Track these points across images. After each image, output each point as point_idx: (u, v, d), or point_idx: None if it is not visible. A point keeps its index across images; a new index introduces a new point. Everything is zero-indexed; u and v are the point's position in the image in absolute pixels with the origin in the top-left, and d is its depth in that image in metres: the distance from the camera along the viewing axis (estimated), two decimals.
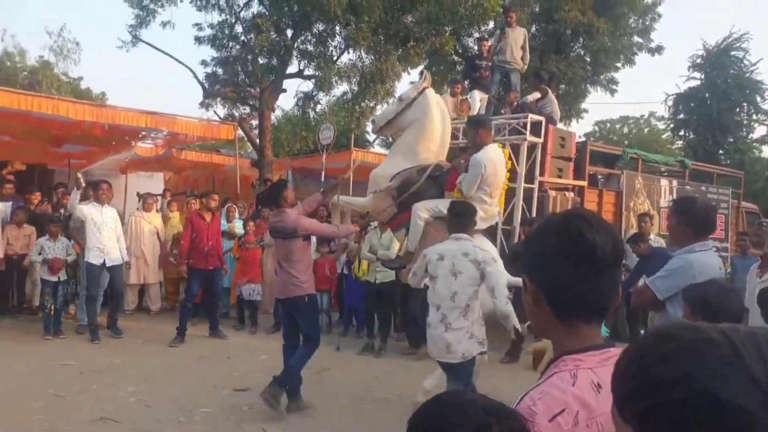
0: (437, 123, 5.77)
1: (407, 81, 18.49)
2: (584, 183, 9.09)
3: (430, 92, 5.91)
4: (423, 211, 5.33)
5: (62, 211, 8.47)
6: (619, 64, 18.47)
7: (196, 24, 14.59)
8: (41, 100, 9.37)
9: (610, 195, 9.65)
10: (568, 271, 1.15)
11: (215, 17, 14.39)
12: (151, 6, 13.90)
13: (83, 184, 7.63)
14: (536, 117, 8.15)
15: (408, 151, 5.76)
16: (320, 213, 8.31)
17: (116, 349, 6.86)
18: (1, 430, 4.23)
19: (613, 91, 19.41)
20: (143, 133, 12.64)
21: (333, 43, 13.82)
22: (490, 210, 5.44)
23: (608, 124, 37.89)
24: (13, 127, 10.69)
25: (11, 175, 10.01)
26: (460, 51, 15.03)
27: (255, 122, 17.34)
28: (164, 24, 14.30)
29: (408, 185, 5.58)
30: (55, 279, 7.33)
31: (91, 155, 15.35)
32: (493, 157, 5.23)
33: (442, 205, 5.16)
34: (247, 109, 17.04)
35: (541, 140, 8.11)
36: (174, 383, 5.54)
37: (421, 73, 6.62)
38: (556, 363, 1.18)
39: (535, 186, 8.11)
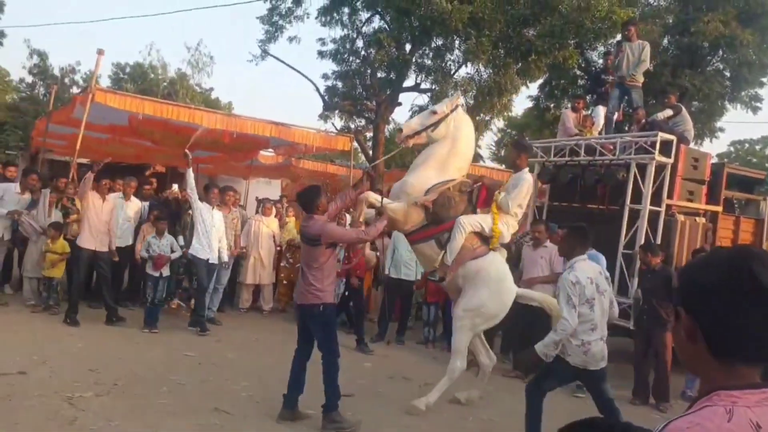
0: (469, 141, 5.87)
1: (526, 95, 18.09)
2: (719, 208, 8.35)
3: (462, 110, 5.96)
4: (468, 225, 5.40)
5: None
6: (765, 79, 16.89)
7: (320, 39, 15.23)
8: (180, 109, 10.14)
9: (748, 223, 8.80)
10: (734, 310, 1.07)
11: (338, 32, 14.95)
12: (281, 22, 14.68)
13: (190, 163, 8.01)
14: (667, 136, 7.60)
15: (440, 166, 5.65)
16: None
17: (232, 345, 7.20)
18: (136, 407, 4.56)
19: (755, 109, 17.78)
20: (267, 141, 13.33)
21: (451, 57, 13.84)
22: (514, 225, 5.70)
23: (746, 145, 34.79)
24: (155, 134, 11.67)
25: (153, 177, 10.93)
26: (583, 65, 14.46)
27: (369, 134, 17.75)
28: (291, 39, 15.07)
29: (446, 200, 5.53)
30: (157, 274, 7.69)
31: (217, 160, 16.43)
32: (531, 180, 5.73)
33: (483, 222, 5.41)
34: (363, 122, 17.47)
35: (671, 160, 7.55)
36: (284, 382, 5.71)
37: (455, 88, 6.45)
38: (708, 397, 1.10)
39: (662, 209, 7.56)
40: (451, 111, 5.65)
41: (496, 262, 5.47)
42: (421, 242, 5.58)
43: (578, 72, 15.10)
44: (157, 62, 28.43)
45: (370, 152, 14.91)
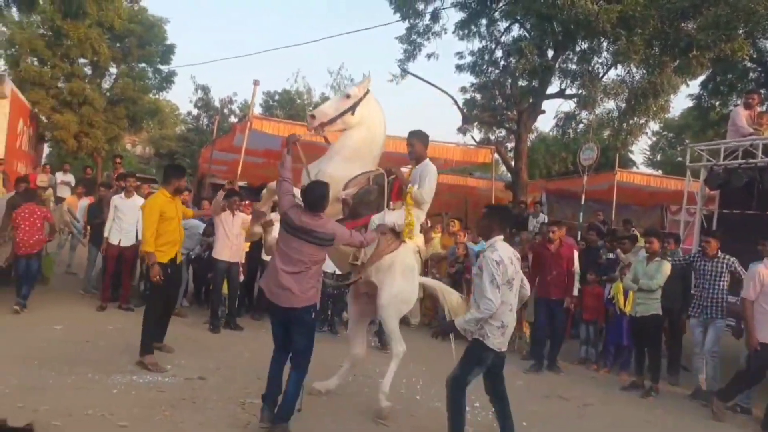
0: (383, 128, 5.42)
1: (684, 94, 16.64)
2: None
3: (373, 95, 5.42)
4: (377, 224, 5.10)
5: None
6: None
7: (458, 53, 15.27)
8: (326, 132, 10.64)
9: None
10: None
11: (476, 44, 14.89)
12: (419, 40, 14.95)
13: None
14: None
15: (358, 155, 5.23)
16: None
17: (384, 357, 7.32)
18: (299, 417, 4.79)
19: None
20: (407, 158, 13.58)
21: (599, 60, 13.17)
22: (422, 219, 5.45)
23: None
24: (310, 156, 12.36)
25: None
26: (755, 56, 12.98)
27: (510, 145, 17.40)
28: (429, 56, 15.26)
29: (365, 194, 5.13)
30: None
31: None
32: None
33: (398, 219, 5.10)
34: (503, 132, 17.18)
35: None
36: (435, 398, 5.71)
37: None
38: None
39: None
40: (364, 95, 5.25)
41: (408, 253, 5.26)
42: None
43: (749, 64, 13.58)
44: (303, 88, 30.28)
45: (512, 163, 14.59)
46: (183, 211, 6.71)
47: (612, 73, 13.61)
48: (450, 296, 5.57)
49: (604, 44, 12.86)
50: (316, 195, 4.47)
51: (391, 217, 5.09)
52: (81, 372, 5.33)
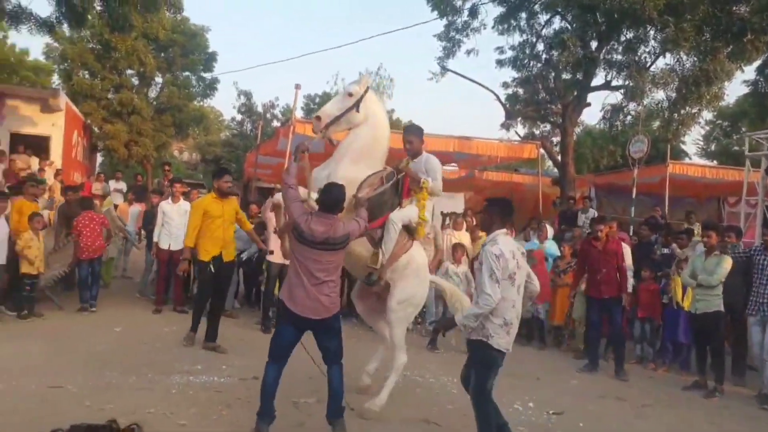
0: (387, 125, 5.26)
1: (740, 80, 15.95)
2: None
3: (373, 92, 5.29)
4: (399, 221, 4.91)
5: None
6: None
7: (498, 48, 15.06)
8: None
9: None
10: None
11: (516, 39, 14.66)
12: (458, 37, 14.82)
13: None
14: None
15: (367, 155, 5.01)
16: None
17: (435, 356, 7.29)
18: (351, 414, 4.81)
19: None
20: (450, 156, 13.48)
21: (645, 49, 12.77)
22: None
23: None
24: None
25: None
26: None
27: (556, 139, 17.08)
28: (468, 52, 15.11)
29: (381, 195, 4.89)
30: None
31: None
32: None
33: (412, 214, 5.01)
34: (548, 127, 16.87)
35: None
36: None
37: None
38: None
39: None
40: (365, 92, 5.09)
41: (420, 251, 5.22)
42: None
43: None
44: (342, 90, 30.45)
45: (558, 157, 14.31)
46: (241, 219, 7.03)
47: (660, 62, 13.20)
48: (461, 301, 5.43)
49: (651, 32, 12.47)
50: (333, 197, 4.31)
51: (407, 213, 4.99)
52: (141, 373, 5.49)
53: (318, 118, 5.04)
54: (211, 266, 6.58)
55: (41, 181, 12.12)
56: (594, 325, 7.51)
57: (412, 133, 5.23)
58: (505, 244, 3.95)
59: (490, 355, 3.94)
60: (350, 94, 5.06)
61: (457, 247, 8.70)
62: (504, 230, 4.07)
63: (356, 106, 5.02)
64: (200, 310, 6.76)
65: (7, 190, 8.12)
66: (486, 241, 4.10)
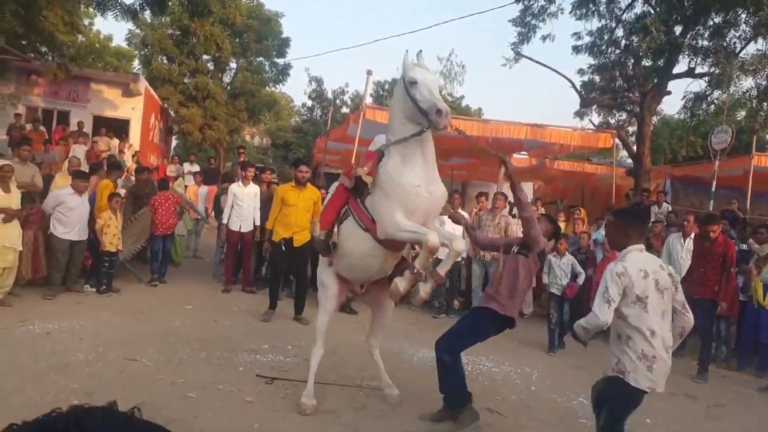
0: None
1: None
2: None
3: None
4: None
5: None
6: None
7: (575, 33, 14.55)
8: None
9: None
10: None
11: (594, 24, 14.14)
12: (533, 22, 14.41)
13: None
14: None
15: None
16: None
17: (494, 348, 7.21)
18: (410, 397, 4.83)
19: None
20: (521, 144, 13.20)
21: (736, 34, 11.99)
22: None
23: None
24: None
25: None
26: None
27: (632, 129, 16.38)
28: (544, 38, 14.66)
29: None
30: None
31: (471, 167, 16.82)
32: None
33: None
34: (624, 116, 16.20)
35: None
36: (551, 389, 5.54)
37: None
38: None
39: None
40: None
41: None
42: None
43: None
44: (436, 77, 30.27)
45: (634, 148, 13.73)
46: (316, 210, 7.07)
47: (751, 48, 12.36)
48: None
49: (743, 16, 11.69)
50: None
51: None
52: (211, 349, 5.70)
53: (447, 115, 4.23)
54: (283, 245, 7.20)
55: (120, 162, 12.79)
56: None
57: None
58: (635, 262, 3.41)
59: (627, 392, 3.40)
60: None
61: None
62: (638, 246, 3.53)
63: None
64: (276, 287, 7.54)
65: (87, 170, 8.56)
66: (618, 258, 3.58)
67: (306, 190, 7.29)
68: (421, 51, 4.24)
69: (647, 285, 3.34)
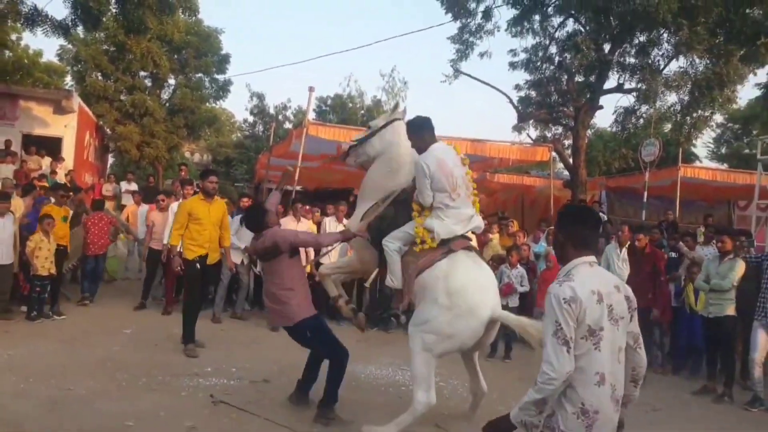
0: (406, 153, 4.79)
1: (752, 83, 15.88)
2: None
3: (400, 124, 4.89)
4: (392, 242, 4.54)
5: None
6: None
7: (511, 50, 15.00)
8: None
9: None
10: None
11: (529, 41, 14.60)
12: (471, 39, 14.77)
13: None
14: None
15: (374, 190, 4.86)
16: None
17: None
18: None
19: None
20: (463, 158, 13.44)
21: (659, 52, 12.68)
22: (462, 212, 4.53)
23: None
24: None
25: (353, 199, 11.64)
26: None
27: (568, 142, 16.97)
28: (482, 55, 15.04)
29: (381, 218, 4.71)
30: None
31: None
32: (438, 154, 4.46)
33: (408, 230, 4.54)
34: (560, 129, 16.78)
35: None
36: (501, 407, 5.63)
37: (396, 104, 4.98)
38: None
39: None
40: (387, 124, 4.89)
41: (449, 272, 4.36)
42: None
43: None
44: (355, 92, 30.46)
45: (570, 160, 14.24)
46: (224, 229, 6.91)
47: (673, 65, 13.13)
48: (532, 332, 4.20)
49: (665, 35, 12.38)
50: (253, 220, 4.95)
51: (396, 234, 4.59)
52: (152, 375, 5.52)
53: (340, 148, 5.05)
54: (198, 264, 6.54)
55: (53, 183, 12.27)
56: None
57: (410, 134, 4.76)
58: (584, 279, 2.48)
59: None
60: (369, 127, 5.01)
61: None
62: (587, 259, 2.57)
63: (369, 138, 4.93)
64: (193, 314, 6.56)
65: (10, 192, 8.27)
66: (559, 276, 2.59)
67: (215, 202, 6.75)
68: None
69: (602, 313, 2.43)
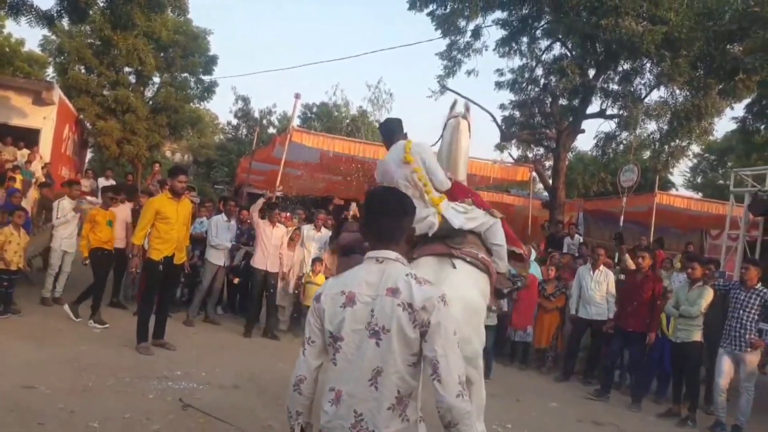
0: (463, 151, 4.59)
1: (729, 116, 16.31)
2: None
3: (458, 122, 4.60)
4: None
5: None
6: None
7: (498, 70, 15.23)
8: (365, 146, 10.77)
9: None
10: None
11: (516, 62, 14.84)
12: (459, 56, 14.96)
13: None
14: None
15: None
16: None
17: None
18: None
19: None
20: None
21: (641, 81, 12.99)
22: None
23: None
24: (340, 169, 12.50)
25: (333, 207, 11.64)
26: None
27: (548, 163, 17.21)
28: (469, 72, 15.25)
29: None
30: None
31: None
32: (386, 157, 4.28)
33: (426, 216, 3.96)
34: (541, 150, 17.01)
35: None
36: None
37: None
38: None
39: None
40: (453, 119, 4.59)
41: (462, 284, 3.79)
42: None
43: None
44: (341, 101, 30.51)
45: (550, 181, 14.44)
46: (186, 222, 6.82)
47: (654, 95, 13.44)
48: None
49: (647, 65, 12.71)
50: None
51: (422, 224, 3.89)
52: (120, 376, 5.42)
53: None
54: (161, 266, 6.44)
55: (26, 173, 12.05)
56: (612, 354, 7.65)
57: (382, 127, 4.57)
58: (338, 280, 2.17)
59: None
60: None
61: None
62: (374, 254, 2.12)
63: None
64: (147, 315, 6.52)
65: None
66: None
67: (182, 201, 6.63)
68: None
69: (345, 317, 2.06)
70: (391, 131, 4.42)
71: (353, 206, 13.01)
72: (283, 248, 8.30)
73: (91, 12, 13.01)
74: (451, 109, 4.77)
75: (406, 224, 2.17)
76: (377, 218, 2.15)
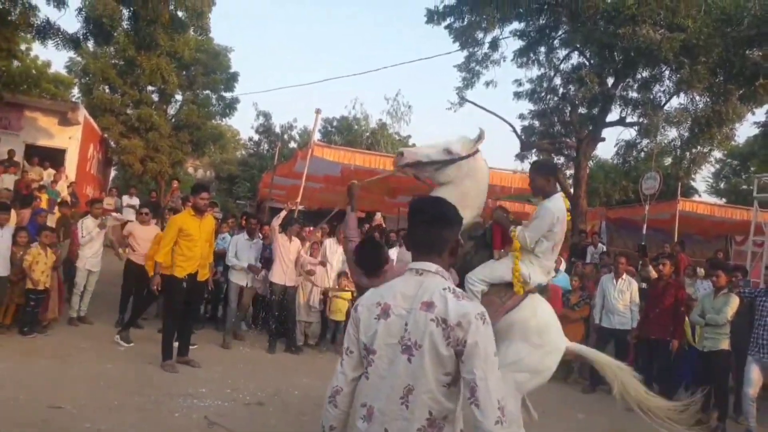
0: (481, 190, 4.52)
1: (750, 121, 16.04)
2: None
3: (481, 156, 4.56)
4: (478, 282, 4.25)
5: None
6: None
7: (516, 80, 15.23)
8: (386, 159, 10.82)
9: None
10: None
11: (534, 72, 14.83)
12: (477, 68, 14.99)
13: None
14: None
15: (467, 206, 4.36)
16: None
17: None
18: None
19: None
20: None
21: (661, 88, 12.89)
22: (548, 264, 4.39)
23: None
24: (363, 182, 12.57)
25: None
26: None
27: (569, 172, 17.10)
28: (487, 84, 15.26)
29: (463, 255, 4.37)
30: None
31: None
32: (562, 206, 4.30)
33: (501, 270, 4.24)
34: (562, 159, 16.92)
35: None
36: None
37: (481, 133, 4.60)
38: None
39: None
40: (470, 155, 4.47)
41: (535, 311, 4.25)
42: None
43: None
44: (360, 115, 30.72)
45: (571, 190, 14.34)
46: (211, 245, 6.94)
47: (674, 101, 13.32)
48: (614, 370, 4.34)
49: (666, 72, 12.61)
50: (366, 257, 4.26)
51: (483, 270, 4.27)
52: (145, 393, 5.49)
53: (401, 154, 4.57)
54: (185, 283, 6.49)
55: (52, 192, 12.34)
56: (641, 366, 7.50)
57: (536, 173, 4.52)
58: (384, 289, 2.11)
59: None
60: (449, 152, 4.45)
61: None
62: (414, 265, 2.10)
63: (444, 165, 4.48)
64: (172, 333, 6.61)
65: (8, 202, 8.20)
66: None
67: (205, 218, 6.69)
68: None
69: (378, 330, 2.05)
70: (552, 172, 4.59)
71: (378, 216, 13.10)
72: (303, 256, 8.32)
73: (115, 34, 13.35)
74: (476, 142, 4.60)
75: (448, 235, 2.08)
76: (415, 227, 2.10)
